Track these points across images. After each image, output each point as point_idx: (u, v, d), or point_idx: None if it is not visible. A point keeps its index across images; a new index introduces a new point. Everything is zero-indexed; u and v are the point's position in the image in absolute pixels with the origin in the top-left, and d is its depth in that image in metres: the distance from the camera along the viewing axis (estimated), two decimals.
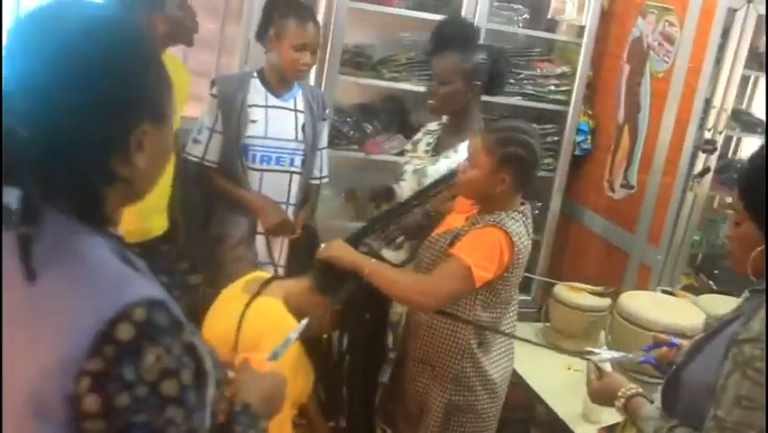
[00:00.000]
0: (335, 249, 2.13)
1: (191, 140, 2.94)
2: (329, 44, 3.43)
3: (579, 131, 4.00)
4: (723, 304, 3.08)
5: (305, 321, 1.73)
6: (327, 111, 3.11)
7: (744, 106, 4.39)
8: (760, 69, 4.08)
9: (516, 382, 2.77)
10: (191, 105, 3.08)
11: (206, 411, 1.06)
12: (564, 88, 3.94)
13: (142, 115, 1.02)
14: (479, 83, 2.72)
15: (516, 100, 3.87)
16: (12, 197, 0.97)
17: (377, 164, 3.81)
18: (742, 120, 4.15)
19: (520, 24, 3.84)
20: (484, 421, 2.42)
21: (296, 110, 2.96)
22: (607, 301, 3.17)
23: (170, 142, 1.12)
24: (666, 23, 3.55)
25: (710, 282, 4.37)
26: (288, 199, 2.99)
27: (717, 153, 3.71)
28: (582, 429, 2.55)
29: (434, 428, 2.35)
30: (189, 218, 3.11)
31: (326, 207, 3.71)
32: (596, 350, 2.40)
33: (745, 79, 4.02)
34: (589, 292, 3.19)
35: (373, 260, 2.12)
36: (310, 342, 1.97)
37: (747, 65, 3.70)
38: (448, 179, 2.51)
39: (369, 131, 3.81)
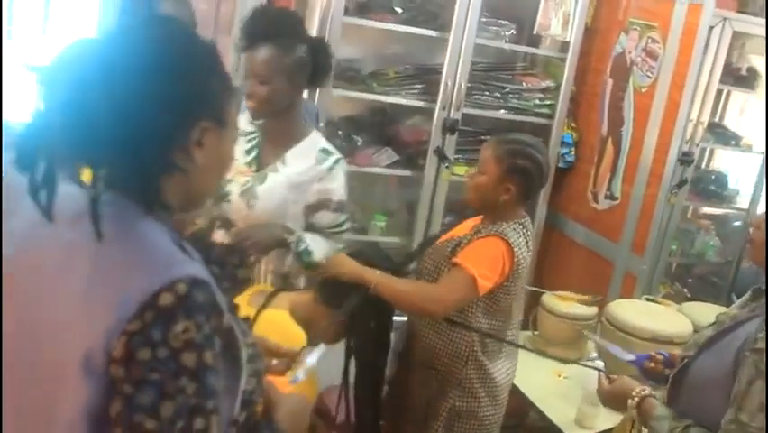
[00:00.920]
0: (340, 263, 2.18)
1: None
2: None
3: (563, 143, 4.09)
4: (706, 311, 3.20)
5: (322, 346, 1.75)
6: (321, 125, 3.10)
7: (717, 119, 4.54)
8: (733, 84, 4.24)
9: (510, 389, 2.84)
10: None
11: (235, 401, 1.13)
12: (548, 102, 4.03)
13: (202, 113, 1.12)
14: (302, 81, 2.37)
15: (502, 114, 3.96)
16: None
17: (364, 177, 3.85)
18: (716, 132, 4.29)
19: (507, 39, 3.92)
20: (486, 428, 2.48)
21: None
22: (594, 310, 3.25)
23: (231, 150, 1.22)
24: (649, 40, 3.66)
25: (684, 290, 4.51)
26: None
27: (693, 165, 3.84)
28: None
29: None
30: None
31: None
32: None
33: (718, 93, 4.16)
34: (576, 301, 3.28)
35: (378, 271, 2.17)
36: None
37: (722, 79, 3.85)
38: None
39: (358, 144, 3.86)
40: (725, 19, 3.66)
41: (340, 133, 3.80)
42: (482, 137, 3.73)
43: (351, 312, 2.08)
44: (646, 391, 1.85)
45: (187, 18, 2.68)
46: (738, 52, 4.29)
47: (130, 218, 1.08)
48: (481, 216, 2.45)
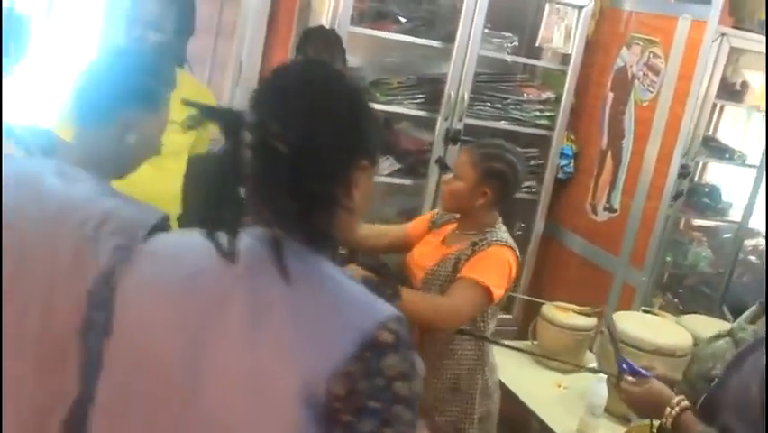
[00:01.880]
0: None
1: None
2: None
3: (562, 155, 4.13)
4: (704, 324, 3.24)
5: None
6: None
7: (710, 133, 4.59)
8: (728, 99, 4.30)
9: (511, 399, 2.85)
10: None
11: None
12: (548, 114, 4.05)
13: (364, 152, 1.19)
14: None
15: (502, 124, 3.98)
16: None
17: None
18: (710, 146, 4.34)
19: (509, 51, 3.94)
20: (495, 420, 2.58)
21: None
22: (593, 321, 3.27)
23: (373, 186, 1.28)
24: (651, 55, 3.70)
25: (675, 301, 4.55)
26: None
27: (688, 177, 3.89)
28: None
29: None
30: None
31: None
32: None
33: (712, 107, 4.21)
34: (575, 312, 3.30)
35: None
36: None
37: (717, 94, 3.90)
38: None
39: None
40: (722, 35, 3.71)
41: None
42: None
43: None
44: (686, 403, 1.80)
45: (341, 58, 2.82)
46: (733, 67, 4.34)
47: (309, 260, 1.11)
48: (456, 223, 2.49)
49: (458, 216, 2.51)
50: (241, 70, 3.77)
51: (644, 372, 2.02)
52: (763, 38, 3.82)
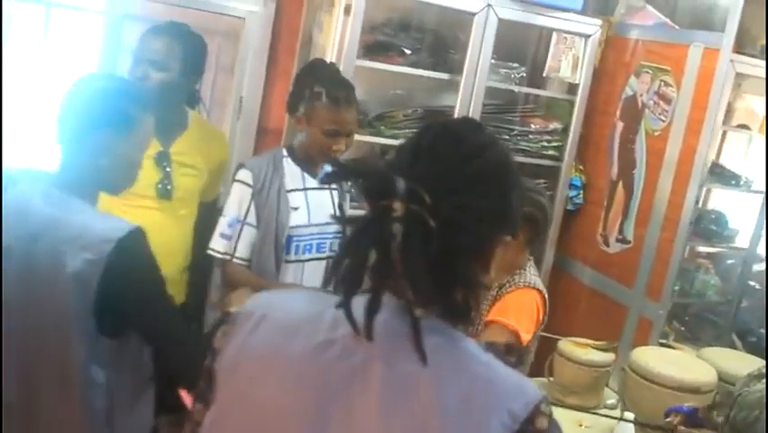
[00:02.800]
0: None
1: (217, 234, 2.60)
2: None
3: (571, 186, 4.06)
4: (726, 356, 3.18)
5: None
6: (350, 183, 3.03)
7: (715, 159, 4.56)
8: (733, 126, 4.29)
9: None
10: None
11: None
12: (556, 144, 4.00)
13: (508, 228, 1.12)
14: None
15: None
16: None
17: None
18: (716, 173, 4.31)
19: (516, 82, 3.89)
20: None
21: (330, 188, 2.75)
22: (611, 356, 3.20)
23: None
24: (662, 83, 3.66)
25: (683, 329, 4.50)
26: (324, 286, 2.83)
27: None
28: None
29: None
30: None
31: None
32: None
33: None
34: (592, 347, 3.22)
35: None
36: None
37: (723, 121, 3.87)
38: None
39: None
40: (730, 61, 3.68)
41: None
42: None
43: None
44: None
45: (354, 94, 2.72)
46: (735, 93, 4.34)
47: (449, 336, 1.05)
48: None
49: None
50: (241, 106, 3.70)
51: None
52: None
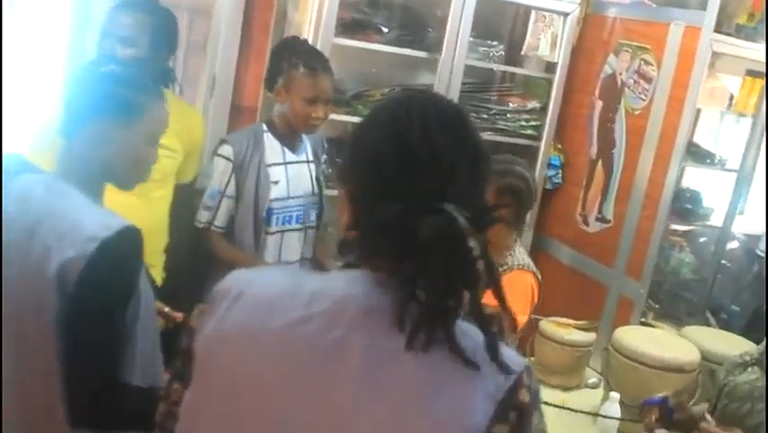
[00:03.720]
0: None
1: (201, 207, 2.74)
2: None
3: (550, 165, 4.05)
4: (707, 335, 3.20)
5: None
6: (324, 156, 3.02)
7: (690, 138, 4.58)
8: (707, 103, 4.30)
9: None
10: None
11: None
12: (534, 123, 3.97)
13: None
14: None
15: (488, 135, 3.87)
16: None
17: None
18: (692, 151, 4.33)
19: (495, 60, 3.85)
20: None
21: (308, 161, 2.87)
22: (592, 336, 3.21)
23: None
24: (642, 62, 3.64)
25: (657, 306, 4.53)
26: (302, 255, 2.86)
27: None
28: None
29: None
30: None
31: None
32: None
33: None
34: (573, 327, 3.22)
35: None
36: None
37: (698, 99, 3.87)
38: None
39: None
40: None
41: (324, 157, 3.65)
42: None
43: None
44: None
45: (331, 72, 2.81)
46: (710, 71, 4.35)
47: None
48: None
49: None
50: (214, 85, 3.62)
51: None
52: (743, 42, 3.82)
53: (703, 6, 3.49)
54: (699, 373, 2.83)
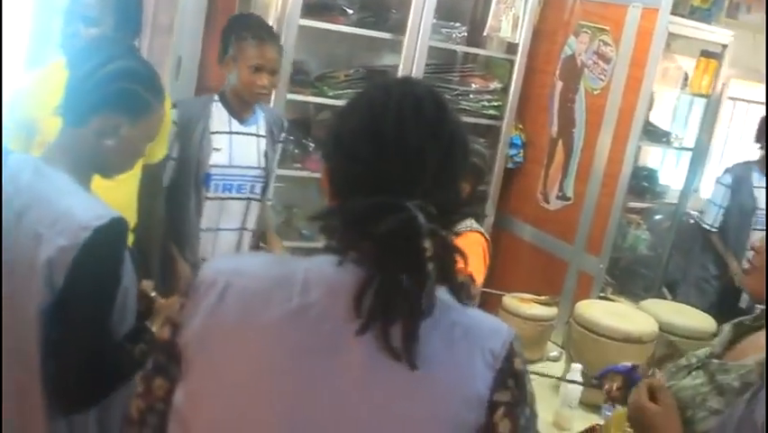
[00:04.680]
0: None
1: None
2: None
3: (511, 145, 4.12)
4: (664, 308, 3.29)
5: None
6: (283, 135, 3.04)
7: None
8: (662, 83, 4.41)
9: None
10: None
11: None
12: (496, 103, 4.04)
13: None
14: None
15: None
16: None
17: (317, 182, 3.74)
18: (648, 130, 4.43)
19: (458, 41, 3.89)
20: None
21: (258, 135, 2.89)
22: (554, 311, 3.27)
23: None
24: (601, 43, 3.72)
25: (613, 282, 4.64)
26: (243, 225, 2.90)
27: None
28: None
29: None
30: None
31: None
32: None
33: None
34: (535, 302, 3.29)
35: None
36: None
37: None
38: None
39: (310, 149, 3.74)
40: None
41: (291, 138, 3.67)
42: None
43: None
44: None
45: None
46: (666, 52, 4.46)
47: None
48: None
49: None
50: (180, 66, 3.61)
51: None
52: (698, 23, 3.93)
53: None
54: (655, 343, 2.92)
